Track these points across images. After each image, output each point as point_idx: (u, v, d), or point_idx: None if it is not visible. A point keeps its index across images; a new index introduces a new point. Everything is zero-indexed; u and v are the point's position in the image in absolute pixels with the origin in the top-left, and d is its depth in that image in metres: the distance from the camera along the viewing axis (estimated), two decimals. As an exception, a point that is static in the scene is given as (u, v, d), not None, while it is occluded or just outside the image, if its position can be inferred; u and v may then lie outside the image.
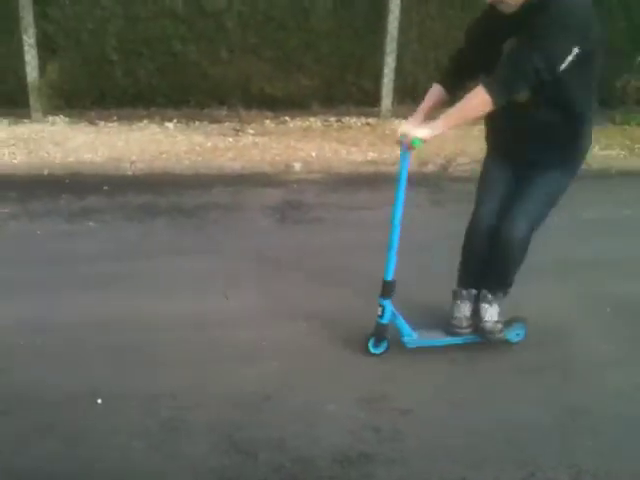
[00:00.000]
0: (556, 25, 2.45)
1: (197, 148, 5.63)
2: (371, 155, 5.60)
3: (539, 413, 2.62)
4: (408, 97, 6.80)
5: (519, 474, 2.30)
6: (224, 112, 6.45)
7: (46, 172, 5.10)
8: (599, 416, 2.61)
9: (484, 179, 3.08)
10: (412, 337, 2.95)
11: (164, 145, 5.64)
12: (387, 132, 6.18)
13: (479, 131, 6.26)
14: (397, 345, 3.02)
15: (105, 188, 4.83)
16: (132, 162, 5.22)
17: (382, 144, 5.84)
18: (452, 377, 2.84)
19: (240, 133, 5.94)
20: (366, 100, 6.70)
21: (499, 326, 3.03)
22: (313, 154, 5.38)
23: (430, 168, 5.48)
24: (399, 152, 2.84)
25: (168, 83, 6.32)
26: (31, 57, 5.95)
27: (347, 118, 6.52)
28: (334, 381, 2.77)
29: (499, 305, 3.06)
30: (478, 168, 5.51)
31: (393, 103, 6.58)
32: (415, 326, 2.97)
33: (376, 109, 6.61)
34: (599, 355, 3.04)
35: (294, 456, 2.35)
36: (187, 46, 6.20)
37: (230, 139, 5.84)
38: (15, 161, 5.23)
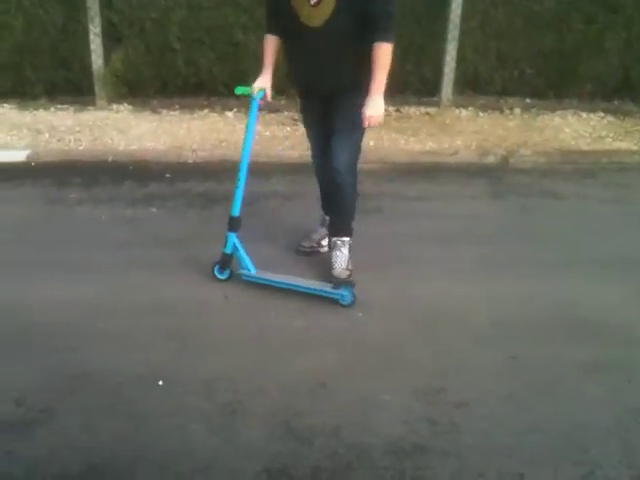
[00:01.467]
0: None
1: (256, 137, 5.61)
2: (430, 145, 5.54)
3: (600, 412, 2.56)
4: (469, 87, 6.72)
5: (578, 472, 2.26)
6: (282, 101, 6.48)
7: (110, 159, 5.23)
8: (662, 417, 2.54)
9: (304, 121, 3.53)
10: (249, 272, 3.31)
11: (224, 134, 5.71)
12: (447, 122, 6.11)
13: (541, 122, 6.20)
14: (452, 339, 3.01)
15: (167, 175, 4.92)
16: (193, 150, 5.30)
17: (442, 134, 5.78)
18: (511, 373, 2.80)
19: (298, 122, 5.95)
20: (426, 89, 6.63)
21: (347, 272, 3.41)
22: (371, 143, 5.35)
23: (491, 159, 5.39)
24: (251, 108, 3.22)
25: (229, 72, 6.38)
26: (96, 46, 6.09)
27: (406, 107, 6.45)
28: (390, 372, 2.77)
29: (348, 252, 3.48)
30: (540, 160, 5.48)
31: (453, 93, 6.49)
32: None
33: (436, 98, 6.53)
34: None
35: (349, 444, 2.36)
36: (248, 35, 6.24)
37: (288, 128, 5.87)
38: (80, 148, 5.38)
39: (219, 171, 4.99)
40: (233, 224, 3.32)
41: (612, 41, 6.52)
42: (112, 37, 6.26)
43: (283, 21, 3.16)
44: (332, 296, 3.22)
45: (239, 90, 3.28)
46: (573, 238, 4.04)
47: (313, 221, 3.73)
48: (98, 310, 3.14)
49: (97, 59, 6.14)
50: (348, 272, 3.40)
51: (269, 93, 3.26)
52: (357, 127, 3.18)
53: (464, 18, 6.23)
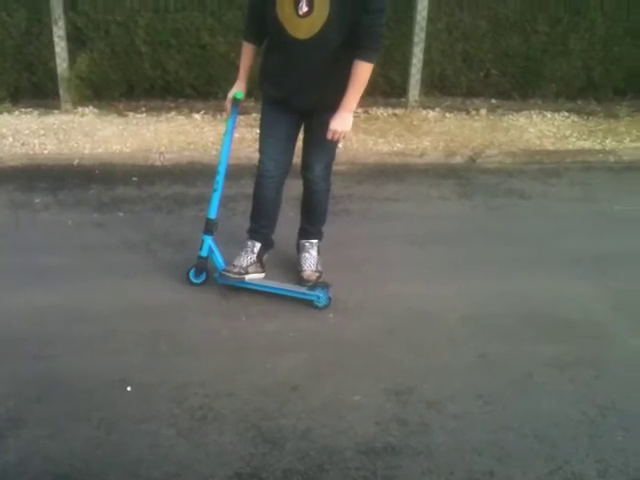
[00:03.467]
0: None
1: (224, 139, 5.65)
2: (398, 146, 5.57)
3: (568, 408, 2.60)
4: (435, 88, 6.77)
5: (546, 468, 2.30)
6: (251, 103, 6.46)
7: (76, 163, 5.16)
8: (629, 412, 2.59)
9: (266, 128, 3.31)
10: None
11: (192, 136, 5.68)
12: (415, 123, 6.15)
13: (506, 122, 6.28)
14: (423, 339, 3.04)
15: (134, 179, 4.88)
16: (161, 153, 5.26)
17: (409, 135, 5.81)
18: (482, 371, 2.83)
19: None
20: (393, 91, 6.66)
21: (317, 274, 3.39)
22: (340, 145, 5.35)
23: (458, 160, 5.44)
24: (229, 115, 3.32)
25: (196, 75, 6.35)
26: (61, 49, 6.01)
27: (374, 109, 6.47)
28: (362, 373, 2.78)
29: (318, 254, 3.47)
30: (506, 160, 5.54)
31: (420, 94, 6.53)
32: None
33: (403, 100, 6.57)
34: (631, 351, 3.01)
35: (320, 446, 2.37)
36: (215, 38, 6.21)
37: (257, 130, 5.84)
38: (45, 152, 5.30)
39: (187, 174, 4.96)
40: (209, 227, 3.28)
41: (576, 42, 6.63)
42: (77, 40, 6.17)
43: (268, 29, 3.05)
44: (308, 298, 3.23)
45: (240, 94, 3.23)
46: (541, 237, 4.10)
47: (283, 223, 3.71)
48: (66, 316, 3.10)
49: (62, 62, 6.05)
50: (318, 274, 3.40)
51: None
52: (336, 142, 3.16)
53: (430, 20, 6.28)
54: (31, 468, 2.24)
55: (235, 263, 3.33)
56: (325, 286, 3.25)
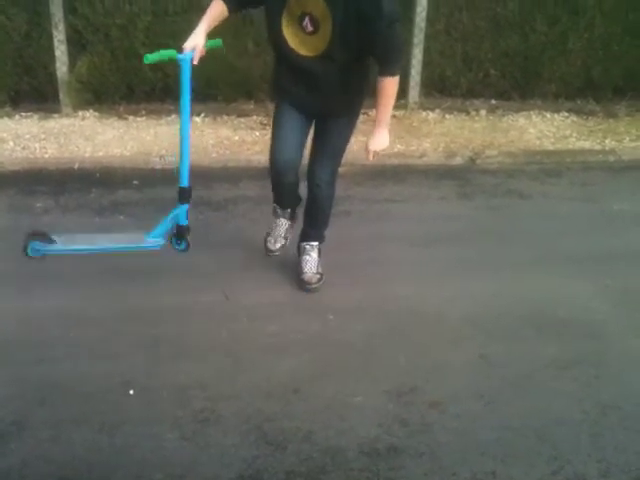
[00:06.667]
0: None
1: (225, 142, 5.66)
2: (398, 148, 5.58)
3: (570, 408, 2.61)
4: (435, 89, 6.77)
5: (548, 468, 2.30)
6: (251, 106, 6.47)
7: (76, 166, 5.17)
8: (630, 411, 2.59)
9: (279, 124, 3.18)
10: (158, 241, 3.33)
11: (192, 139, 5.60)
12: (414, 124, 6.15)
13: (506, 123, 6.28)
14: (424, 339, 3.04)
15: (135, 182, 4.88)
16: (161, 156, 5.26)
17: (409, 136, 5.82)
18: (483, 371, 2.83)
19: (267, 126, 5.94)
20: (393, 92, 6.67)
21: (317, 276, 3.39)
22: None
23: (458, 160, 5.44)
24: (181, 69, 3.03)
25: (195, 77, 6.34)
26: (61, 52, 6.01)
27: (373, 110, 6.48)
28: (363, 374, 2.79)
29: (318, 256, 3.46)
30: (506, 161, 5.54)
31: (420, 95, 6.54)
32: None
33: (402, 101, 6.56)
34: (631, 350, 3.01)
35: (322, 447, 2.37)
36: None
37: (257, 132, 5.86)
38: (46, 155, 5.30)
39: (188, 177, 4.97)
40: (184, 195, 3.28)
41: (575, 42, 6.63)
42: (77, 44, 6.18)
43: (272, 38, 2.98)
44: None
45: (149, 58, 2.87)
46: (541, 236, 4.10)
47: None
48: (68, 320, 3.11)
49: (62, 66, 6.06)
50: (319, 276, 3.40)
51: (198, 54, 2.95)
52: (344, 147, 3.18)
53: (429, 22, 6.28)
54: (34, 471, 2.25)
55: (274, 234, 3.52)
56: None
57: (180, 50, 2.92)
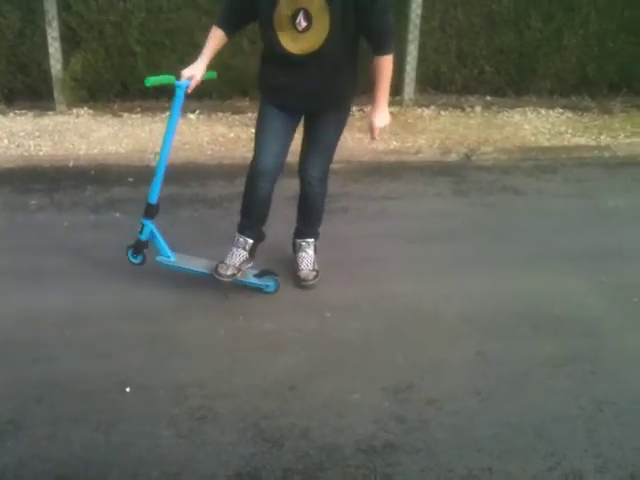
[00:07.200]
0: None
1: (220, 139, 5.66)
2: (394, 144, 5.58)
3: (566, 405, 2.61)
4: (430, 86, 6.78)
5: (545, 464, 2.31)
6: (246, 103, 6.47)
7: (71, 164, 5.16)
8: (626, 408, 2.60)
9: (263, 126, 3.14)
10: (169, 259, 3.24)
11: (187, 136, 5.68)
12: (410, 121, 6.16)
13: (501, 119, 6.29)
14: (420, 336, 3.04)
15: (130, 179, 4.88)
16: (156, 153, 5.24)
17: (405, 133, 5.83)
18: (480, 368, 2.84)
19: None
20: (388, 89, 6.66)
21: (314, 273, 3.38)
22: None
23: (453, 157, 5.45)
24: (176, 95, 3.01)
25: (190, 74, 6.34)
26: (55, 50, 6.00)
27: (369, 107, 6.48)
28: (360, 371, 2.79)
29: (315, 253, 3.45)
30: (502, 157, 5.55)
31: (415, 92, 6.54)
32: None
33: (398, 98, 6.57)
34: (627, 347, 3.02)
35: (319, 445, 2.37)
36: (209, 37, 6.21)
37: (252, 130, 5.84)
38: (41, 153, 5.30)
39: (182, 174, 4.95)
40: (150, 211, 3.19)
41: (570, 39, 6.64)
42: (71, 41, 6.16)
43: (243, 24, 3.06)
44: (256, 285, 3.27)
45: (151, 81, 2.92)
46: (536, 233, 4.11)
47: (278, 223, 3.70)
48: (64, 318, 3.10)
49: (56, 63, 6.04)
50: (315, 273, 3.40)
51: (194, 84, 2.98)
52: (335, 143, 3.19)
53: (424, 18, 6.29)
54: (31, 470, 2.24)
55: (227, 262, 3.22)
56: (273, 273, 3.30)
57: (178, 76, 2.98)
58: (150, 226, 3.22)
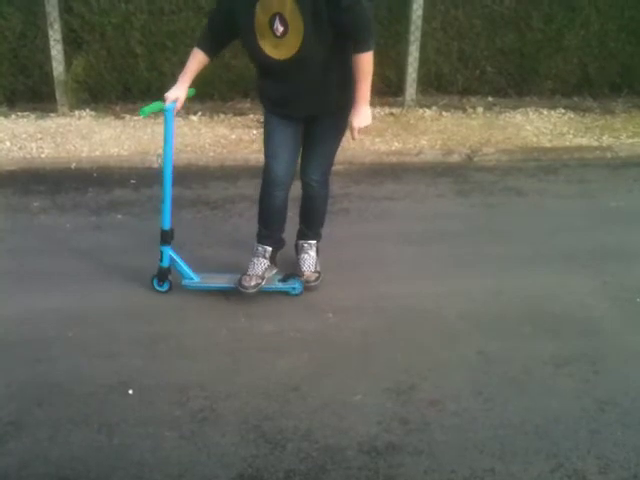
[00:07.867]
0: None
1: (222, 140, 5.66)
2: (395, 145, 5.58)
3: (569, 405, 2.61)
4: (432, 87, 6.78)
5: (547, 465, 2.30)
6: (247, 104, 6.47)
7: (73, 166, 5.17)
8: (629, 408, 2.59)
9: (271, 137, 3.16)
10: (192, 280, 3.27)
11: (189, 138, 5.68)
12: (411, 122, 6.16)
13: (503, 120, 6.29)
14: (422, 337, 3.04)
15: (132, 181, 4.88)
16: (158, 155, 5.26)
17: (406, 134, 5.82)
18: (482, 368, 2.83)
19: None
20: (389, 90, 6.66)
21: (316, 275, 3.38)
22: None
23: (455, 158, 5.45)
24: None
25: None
26: (57, 52, 6.01)
27: (371, 108, 6.47)
28: (361, 372, 2.78)
29: (316, 254, 3.46)
30: (503, 158, 5.55)
31: (417, 93, 6.54)
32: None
33: (400, 99, 6.58)
34: (629, 346, 3.01)
35: (321, 446, 2.37)
36: (210, 38, 6.22)
37: (254, 131, 5.86)
38: (43, 155, 5.30)
39: (184, 176, 4.95)
40: (165, 238, 3.25)
41: (571, 39, 6.64)
42: (73, 43, 6.18)
43: (224, 45, 3.08)
44: (283, 290, 3.29)
45: (146, 111, 2.99)
46: (538, 233, 4.11)
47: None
48: (65, 319, 3.10)
49: (58, 65, 6.05)
50: (317, 274, 3.40)
51: (180, 105, 3.09)
52: (335, 147, 3.20)
53: (426, 19, 6.29)
54: (32, 472, 2.24)
55: (250, 273, 3.24)
56: (296, 275, 3.30)
57: (163, 100, 3.08)
58: (169, 252, 3.25)
